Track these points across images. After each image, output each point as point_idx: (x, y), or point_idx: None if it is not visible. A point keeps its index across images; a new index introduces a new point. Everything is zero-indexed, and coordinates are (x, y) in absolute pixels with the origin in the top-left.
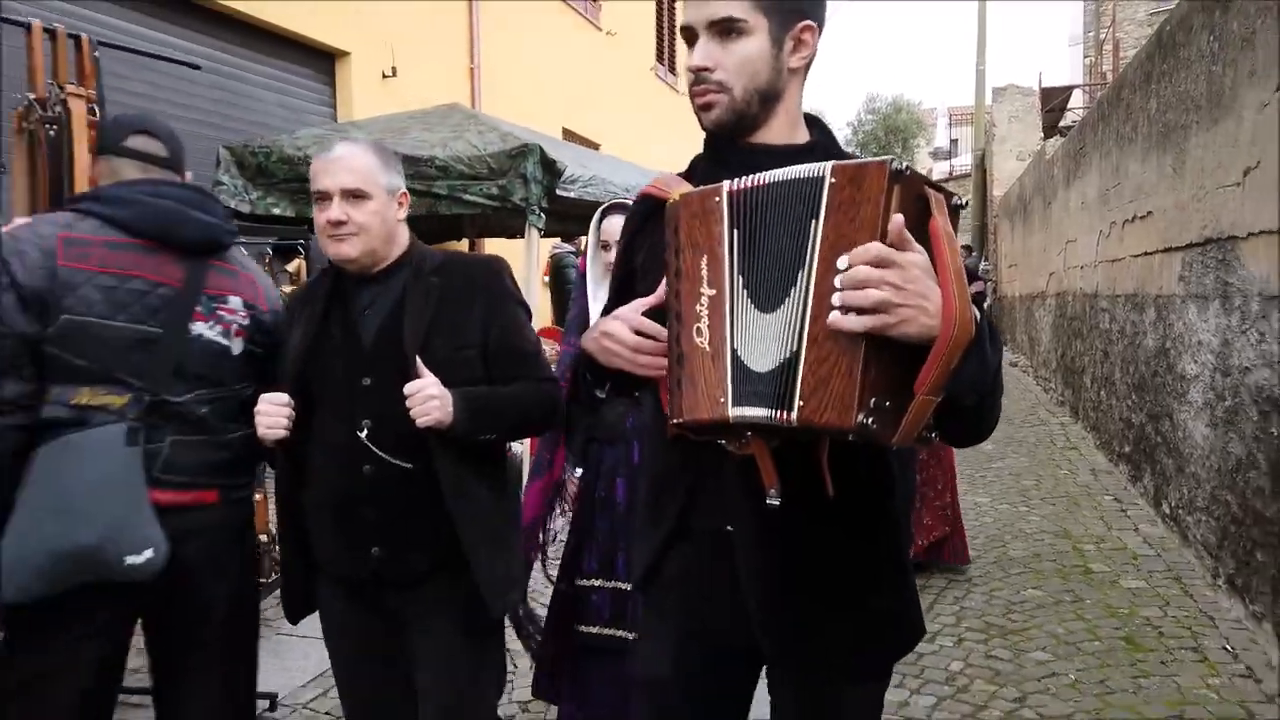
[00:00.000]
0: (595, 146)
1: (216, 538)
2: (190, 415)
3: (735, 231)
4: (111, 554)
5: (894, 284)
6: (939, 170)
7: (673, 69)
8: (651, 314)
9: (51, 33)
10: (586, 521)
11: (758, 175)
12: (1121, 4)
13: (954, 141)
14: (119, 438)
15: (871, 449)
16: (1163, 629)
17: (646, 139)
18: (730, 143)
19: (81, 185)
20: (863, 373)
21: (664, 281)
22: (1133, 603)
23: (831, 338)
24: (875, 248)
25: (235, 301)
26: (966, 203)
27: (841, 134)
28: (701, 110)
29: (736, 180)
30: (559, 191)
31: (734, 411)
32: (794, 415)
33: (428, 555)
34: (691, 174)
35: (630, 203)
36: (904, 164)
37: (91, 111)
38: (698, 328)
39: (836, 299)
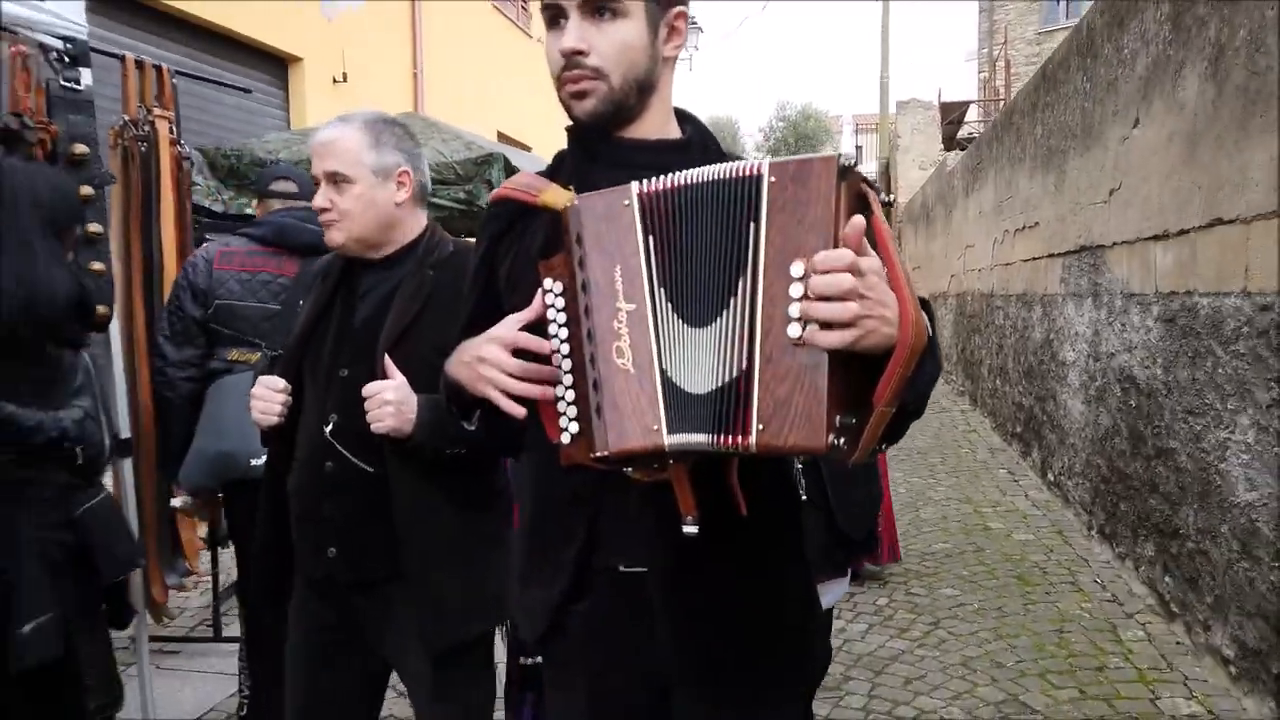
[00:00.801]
0: (527, 149)
1: None
2: None
3: (651, 238)
4: (242, 458)
5: (861, 294)
6: None
7: None
8: (527, 331)
9: (140, 63)
10: None
11: (674, 175)
12: (1012, 24)
13: (858, 148)
14: (249, 380)
15: (774, 463)
16: (1047, 569)
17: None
18: (603, 136)
19: (166, 194)
20: (829, 389)
21: (539, 293)
22: (1023, 550)
23: (789, 353)
24: (847, 255)
25: None
26: (892, 200)
27: (753, 139)
28: (574, 99)
29: (646, 181)
30: None
31: (670, 439)
32: (753, 440)
33: (384, 564)
34: (556, 171)
35: None
36: (849, 159)
37: (171, 130)
38: (617, 347)
39: (795, 310)
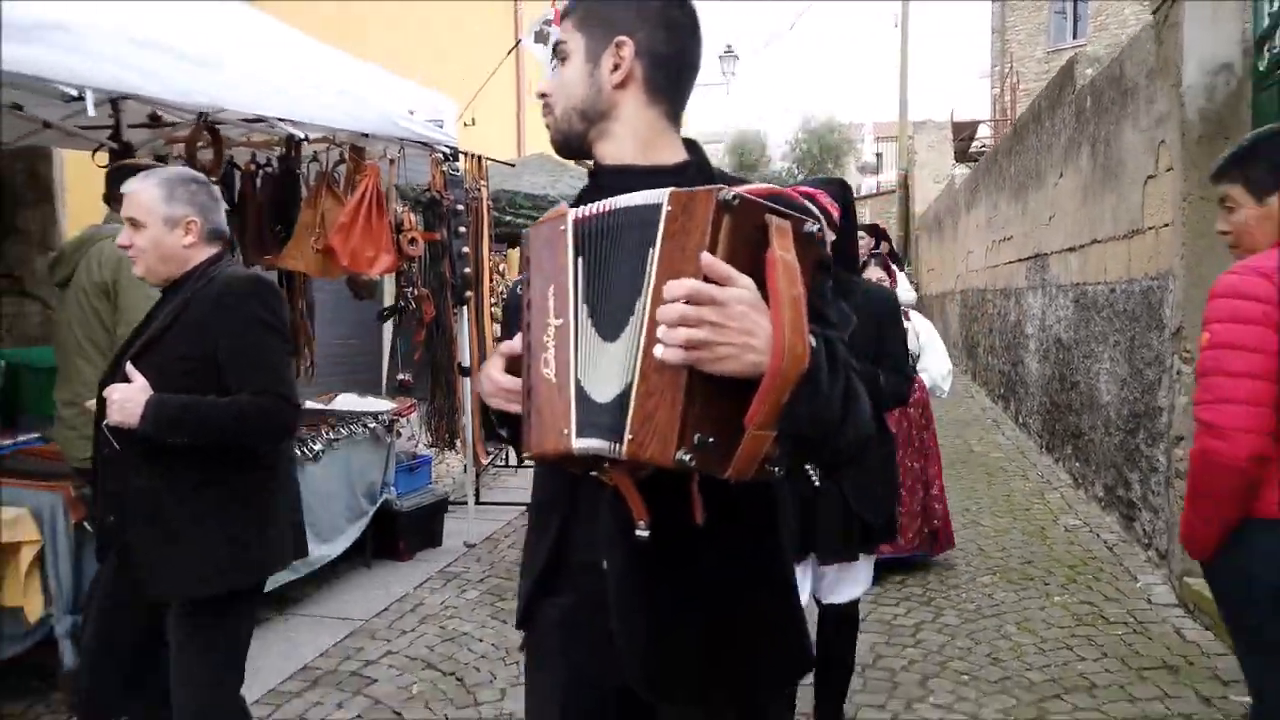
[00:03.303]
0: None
1: None
2: None
3: (580, 259)
4: None
5: (712, 321)
6: (867, 185)
7: None
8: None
9: (470, 154)
10: None
11: (603, 202)
12: (1023, 43)
13: (878, 155)
14: None
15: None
16: (1008, 470)
17: None
18: (600, 165)
19: (484, 230)
20: (684, 407)
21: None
22: (995, 462)
23: (658, 370)
24: (688, 284)
25: None
26: (819, 230)
27: (779, 150)
28: None
29: (582, 208)
30: None
31: (577, 444)
32: (623, 448)
33: (144, 529)
34: (579, 202)
35: None
36: (733, 194)
37: (488, 194)
38: (545, 358)
39: (660, 331)
